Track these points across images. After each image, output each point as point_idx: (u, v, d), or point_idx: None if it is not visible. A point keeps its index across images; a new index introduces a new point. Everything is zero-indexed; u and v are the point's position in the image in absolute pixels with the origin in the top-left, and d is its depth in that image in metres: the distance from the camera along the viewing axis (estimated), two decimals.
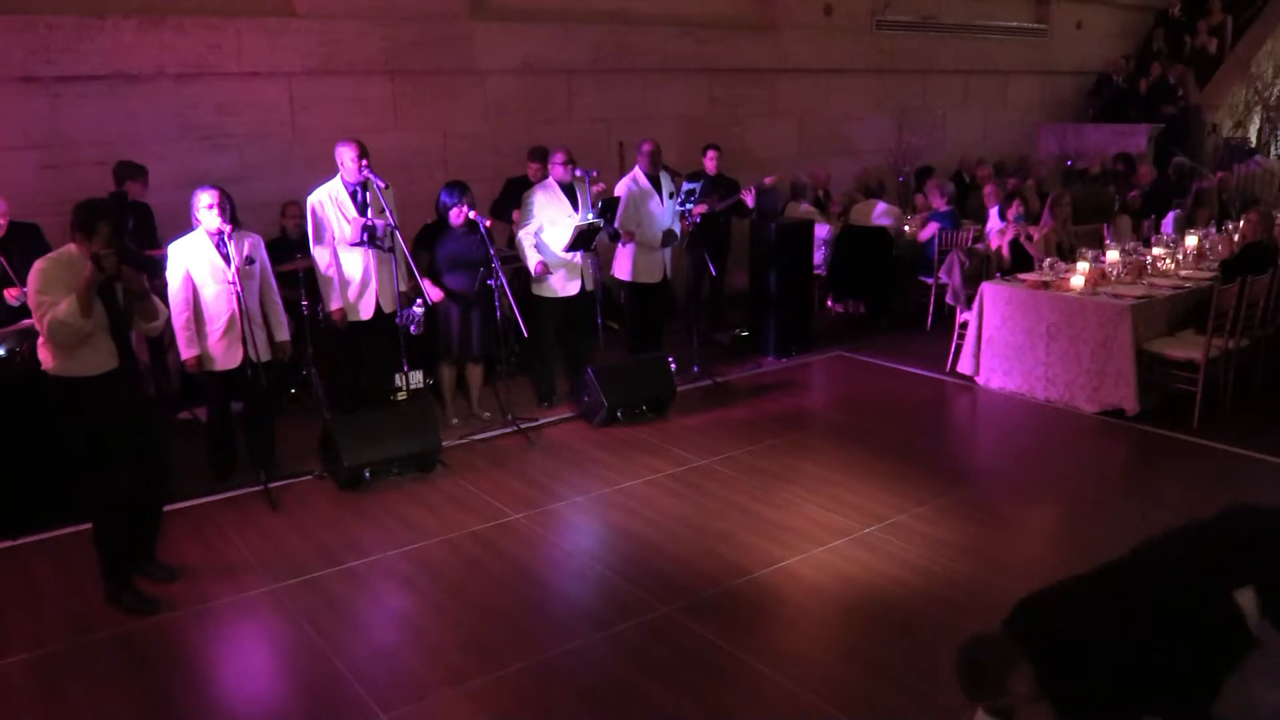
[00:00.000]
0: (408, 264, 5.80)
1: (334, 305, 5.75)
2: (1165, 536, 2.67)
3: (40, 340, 4.00)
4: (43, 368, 4.01)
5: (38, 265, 3.93)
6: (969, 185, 10.27)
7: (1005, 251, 7.39)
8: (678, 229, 7.11)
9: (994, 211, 8.44)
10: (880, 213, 8.97)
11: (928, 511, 4.89)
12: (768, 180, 8.60)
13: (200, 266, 4.99)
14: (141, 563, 4.30)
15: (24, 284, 5.14)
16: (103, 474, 4.03)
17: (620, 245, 7.01)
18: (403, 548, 4.64)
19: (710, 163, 8.11)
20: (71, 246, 3.96)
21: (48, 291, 3.85)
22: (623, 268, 7.12)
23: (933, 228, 8.66)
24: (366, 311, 5.79)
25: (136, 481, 4.12)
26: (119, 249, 3.89)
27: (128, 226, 5.61)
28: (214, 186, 5.00)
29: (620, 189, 7.05)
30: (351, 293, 5.77)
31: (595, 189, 6.65)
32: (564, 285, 6.45)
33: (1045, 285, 6.57)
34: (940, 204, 8.88)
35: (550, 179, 6.43)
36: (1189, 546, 2.59)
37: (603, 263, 7.34)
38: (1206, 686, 2.56)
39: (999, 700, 2.52)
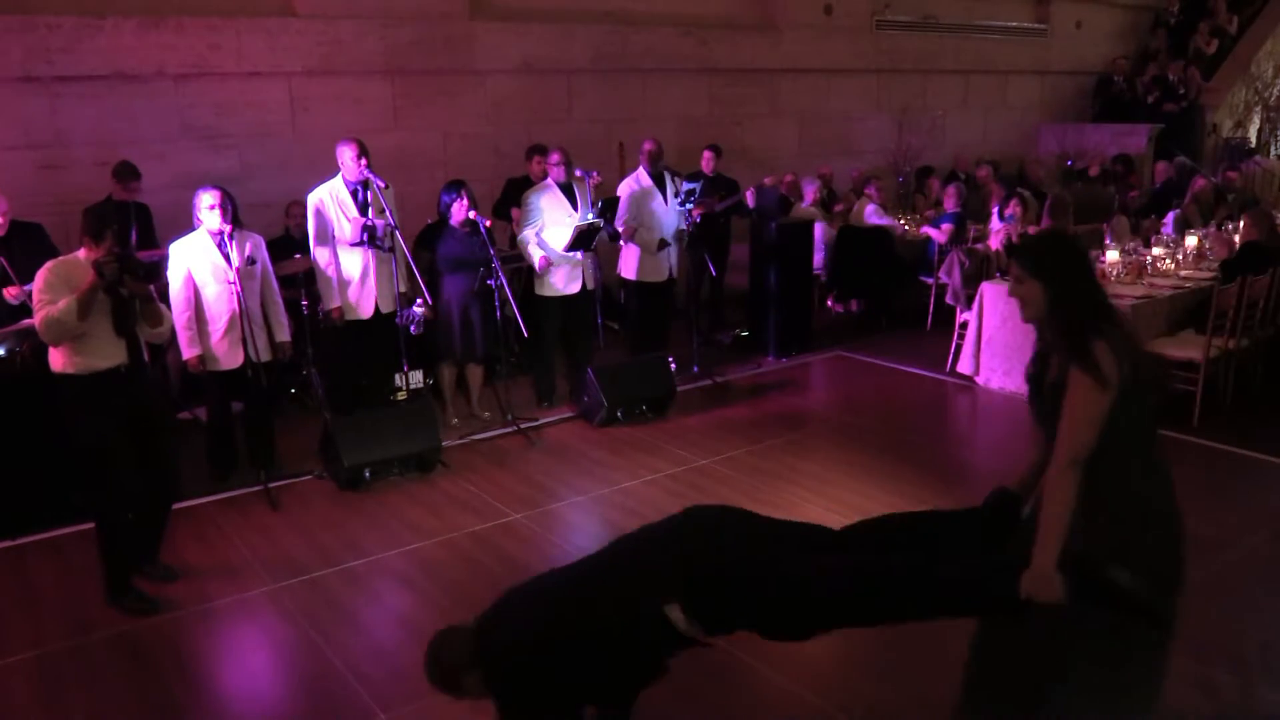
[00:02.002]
0: (408, 264, 5.80)
1: (332, 304, 5.76)
2: (622, 542, 2.80)
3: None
4: (52, 369, 4.02)
5: (46, 266, 4.00)
6: (967, 185, 10.25)
7: (995, 245, 7.41)
8: (684, 227, 7.10)
9: (996, 211, 8.44)
10: (871, 212, 8.97)
11: None
12: (767, 180, 8.60)
13: (202, 266, 4.99)
14: (144, 562, 4.31)
15: (25, 283, 5.16)
16: (109, 474, 4.03)
17: (622, 244, 7.02)
18: (403, 548, 4.64)
19: (706, 163, 8.11)
20: (81, 251, 4.02)
21: (48, 291, 3.91)
22: (628, 266, 7.12)
23: (948, 228, 8.61)
24: (366, 310, 5.79)
25: (145, 481, 4.12)
26: (121, 257, 3.92)
27: (131, 234, 5.60)
28: (216, 187, 5.00)
29: (623, 189, 7.05)
30: (351, 292, 5.77)
31: (593, 181, 6.62)
32: (565, 284, 6.45)
33: None
34: (952, 205, 8.87)
35: (549, 179, 6.43)
36: (631, 561, 2.72)
37: (604, 262, 7.34)
38: (638, 684, 2.79)
39: (455, 694, 2.68)
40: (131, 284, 3.98)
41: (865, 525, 2.84)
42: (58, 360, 4.00)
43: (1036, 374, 2.58)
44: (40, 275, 3.96)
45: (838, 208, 9.59)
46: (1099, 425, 2.38)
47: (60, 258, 4.09)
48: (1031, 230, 7.50)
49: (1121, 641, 2.47)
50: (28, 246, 5.40)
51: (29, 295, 5.01)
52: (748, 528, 2.73)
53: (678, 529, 2.74)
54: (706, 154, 8.15)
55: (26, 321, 4.86)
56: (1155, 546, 2.47)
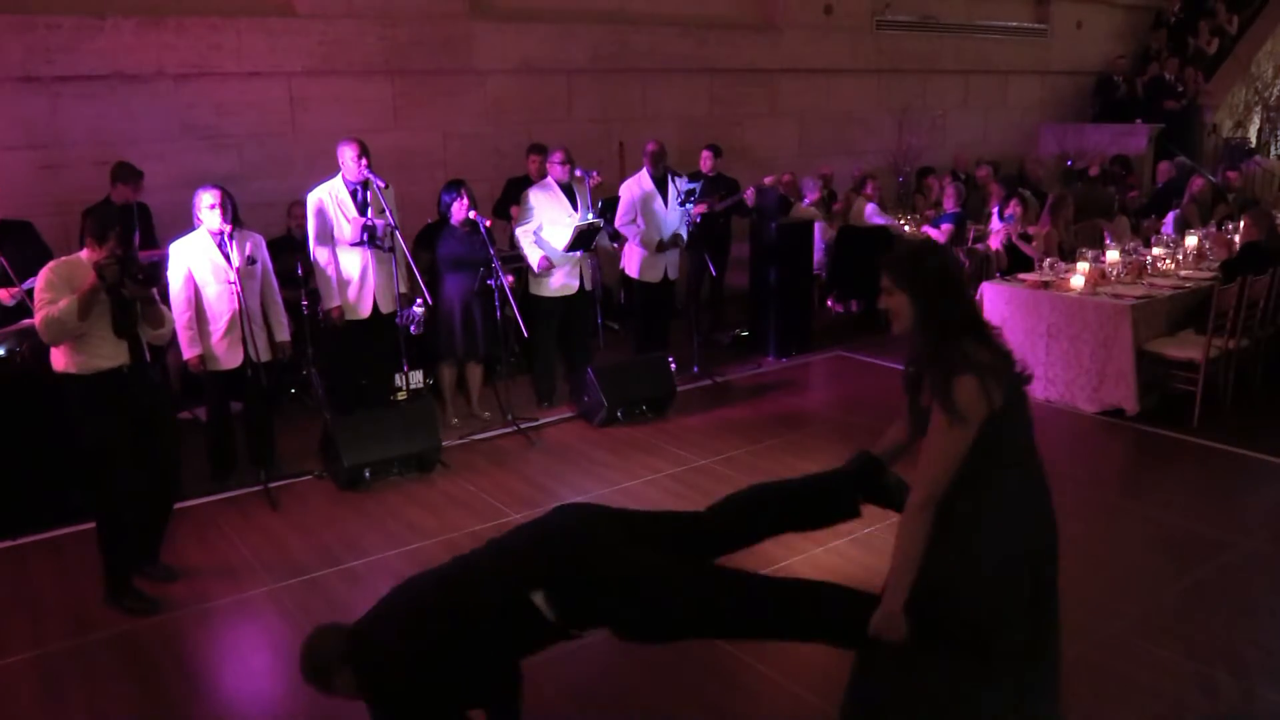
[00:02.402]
0: (408, 264, 5.80)
1: (332, 303, 5.75)
2: (494, 541, 2.85)
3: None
4: (54, 369, 4.02)
5: (48, 265, 3.99)
6: (967, 184, 10.25)
7: (995, 245, 7.41)
8: (684, 232, 7.10)
9: (996, 211, 8.43)
10: (871, 212, 8.97)
11: None
12: (766, 180, 8.61)
13: (202, 266, 4.99)
14: (144, 562, 4.31)
15: (20, 283, 5.16)
16: (110, 474, 4.03)
17: (624, 243, 7.03)
18: (403, 548, 4.64)
19: (704, 163, 8.12)
20: (84, 252, 4.01)
21: (49, 290, 3.90)
22: (631, 264, 7.12)
23: (947, 229, 8.60)
24: (365, 310, 5.78)
25: (146, 481, 4.13)
26: (122, 259, 3.93)
27: (134, 237, 5.55)
28: (216, 186, 5.00)
29: (624, 191, 7.05)
30: (350, 292, 5.76)
31: (593, 182, 6.61)
32: (563, 284, 6.44)
33: (1045, 285, 6.57)
34: (952, 205, 8.86)
35: (549, 178, 6.43)
36: (499, 553, 2.76)
37: (604, 262, 7.34)
38: (512, 677, 2.85)
39: (326, 691, 2.69)
40: (132, 287, 3.97)
41: (734, 503, 2.93)
42: (59, 360, 4.00)
43: (912, 376, 2.56)
44: (42, 274, 3.95)
45: (836, 206, 9.58)
46: (957, 463, 2.37)
47: (63, 258, 4.08)
48: (1031, 230, 7.51)
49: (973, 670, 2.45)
50: (19, 245, 5.40)
51: (26, 295, 5.03)
52: (619, 525, 2.77)
53: (547, 524, 2.80)
54: (705, 154, 8.15)
55: (26, 321, 4.86)
56: (997, 573, 2.43)
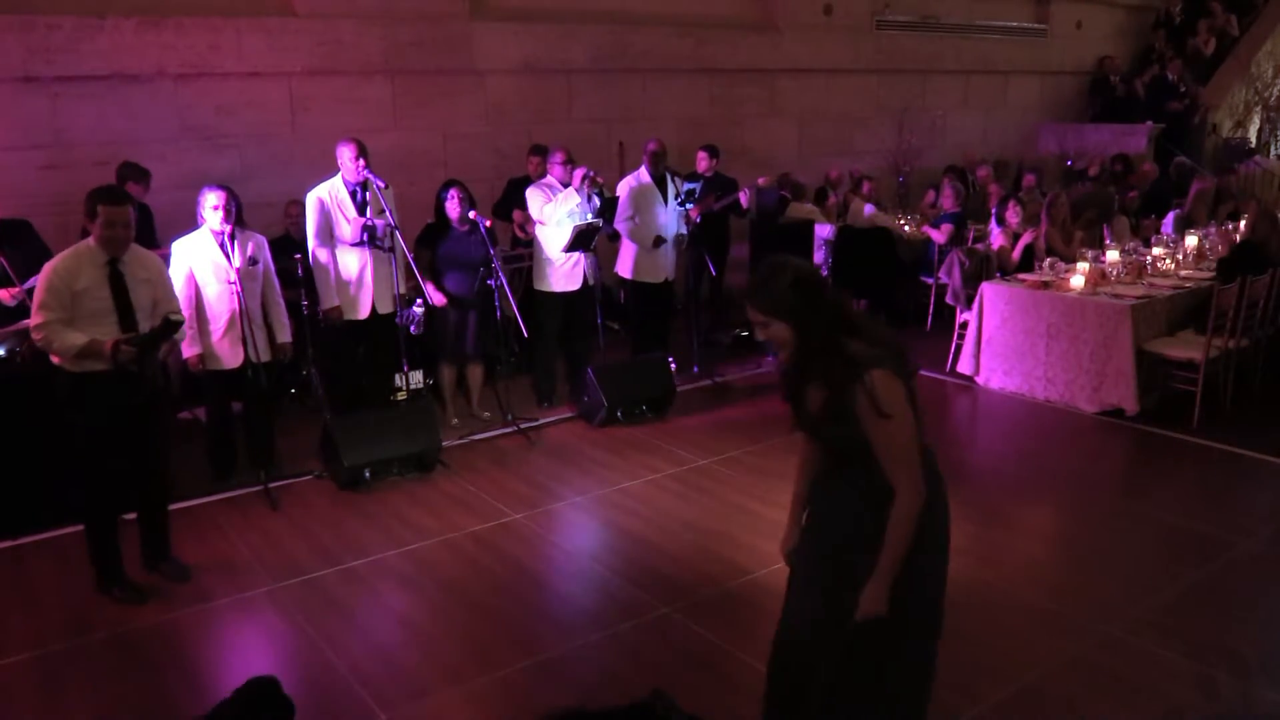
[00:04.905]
0: (407, 264, 5.80)
1: (331, 303, 5.74)
2: None
3: None
4: (50, 360, 4.03)
5: (50, 266, 3.97)
6: (968, 185, 10.25)
7: (1017, 255, 7.39)
8: (684, 232, 7.09)
9: (996, 212, 8.42)
10: (869, 212, 8.96)
11: None
12: (761, 181, 8.60)
13: (203, 265, 4.99)
14: (158, 559, 4.34)
15: (20, 283, 5.16)
16: (95, 469, 4.05)
17: (620, 243, 7.03)
18: (403, 548, 4.64)
19: (700, 163, 8.11)
20: (90, 240, 3.99)
21: (53, 297, 3.90)
22: (625, 265, 7.11)
23: (947, 229, 8.60)
24: (364, 310, 5.78)
25: (137, 479, 4.12)
26: (141, 363, 3.99)
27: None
28: (222, 187, 4.99)
29: (622, 187, 7.04)
30: (350, 292, 5.76)
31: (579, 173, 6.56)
32: (565, 282, 6.43)
33: (1045, 285, 6.57)
34: (950, 204, 8.85)
35: (573, 181, 6.34)
36: None
37: (603, 262, 7.33)
38: None
39: None
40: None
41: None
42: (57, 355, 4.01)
43: (793, 387, 2.56)
44: (45, 274, 3.94)
45: (830, 202, 9.54)
46: (916, 446, 2.46)
47: (67, 252, 4.02)
48: (1030, 234, 7.50)
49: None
50: (18, 244, 5.39)
51: (27, 295, 5.02)
52: None
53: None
54: (701, 154, 8.14)
55: (27, 321, 4.85)
56: (939, 552, 2.60)
